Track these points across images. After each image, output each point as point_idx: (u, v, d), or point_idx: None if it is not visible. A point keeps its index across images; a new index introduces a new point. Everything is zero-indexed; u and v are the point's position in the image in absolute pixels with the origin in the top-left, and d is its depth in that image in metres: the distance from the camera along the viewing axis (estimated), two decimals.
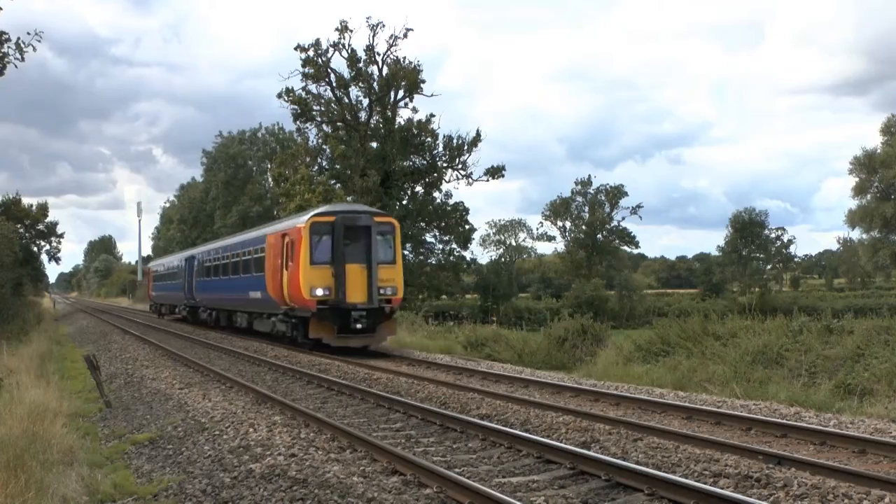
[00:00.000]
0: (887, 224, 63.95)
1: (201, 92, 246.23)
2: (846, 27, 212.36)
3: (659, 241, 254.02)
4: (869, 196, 65.61)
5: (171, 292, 44.01)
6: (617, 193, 79.00)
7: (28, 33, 11.56)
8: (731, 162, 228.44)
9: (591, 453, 8.92)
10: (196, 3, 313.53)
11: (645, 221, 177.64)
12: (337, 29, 41.34)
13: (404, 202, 45.93)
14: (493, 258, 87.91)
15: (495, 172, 46.63)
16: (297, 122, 43.32)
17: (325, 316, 21.09)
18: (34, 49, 11.51)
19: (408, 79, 42.19)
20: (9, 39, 11.38)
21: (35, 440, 8.84)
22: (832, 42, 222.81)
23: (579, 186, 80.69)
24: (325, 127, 43.48)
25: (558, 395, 14.29)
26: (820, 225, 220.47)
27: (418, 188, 47.33)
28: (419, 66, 42.41)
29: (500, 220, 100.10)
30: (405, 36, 41.79)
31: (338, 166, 43.34)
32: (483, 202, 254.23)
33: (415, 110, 43.62)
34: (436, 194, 47.56)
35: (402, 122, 43.67)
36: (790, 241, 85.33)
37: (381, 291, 21.28)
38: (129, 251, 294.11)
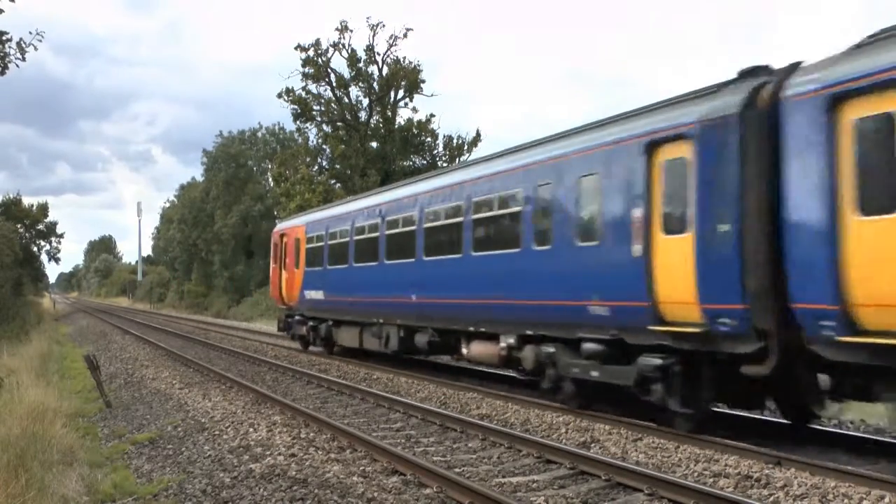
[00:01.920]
0: None
1: (200, 92, 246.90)
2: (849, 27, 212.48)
3: None
4: None
5: (420, 291, 16.10)
6: None
7: (30, 33, 11.51)
8: None
9: (591, 453, 8.94)
10: (195, 2, 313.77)
11: None
12: (337, 29, 41.28)
13: None
14: None
15: None
16: (297, 122, 43.31)
17: None
18: (35, 48, 11.46)
19: (408, 79, 42.17)
20: (10, 39, 11.32)
21: (35, 440, 8.84)
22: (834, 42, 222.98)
23: None
24: (325, 127, 43.43)
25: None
26: None
27: None
28: (419, 65, 42.46)
29: None
30: (405, 36, 41.74)
31: (338, 166, 43.28)
32: None
33: (415, 110, 43.58)
34: None
35: (402, 122, 43.63)
36: None
37: None
38: (129, 251, 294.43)
